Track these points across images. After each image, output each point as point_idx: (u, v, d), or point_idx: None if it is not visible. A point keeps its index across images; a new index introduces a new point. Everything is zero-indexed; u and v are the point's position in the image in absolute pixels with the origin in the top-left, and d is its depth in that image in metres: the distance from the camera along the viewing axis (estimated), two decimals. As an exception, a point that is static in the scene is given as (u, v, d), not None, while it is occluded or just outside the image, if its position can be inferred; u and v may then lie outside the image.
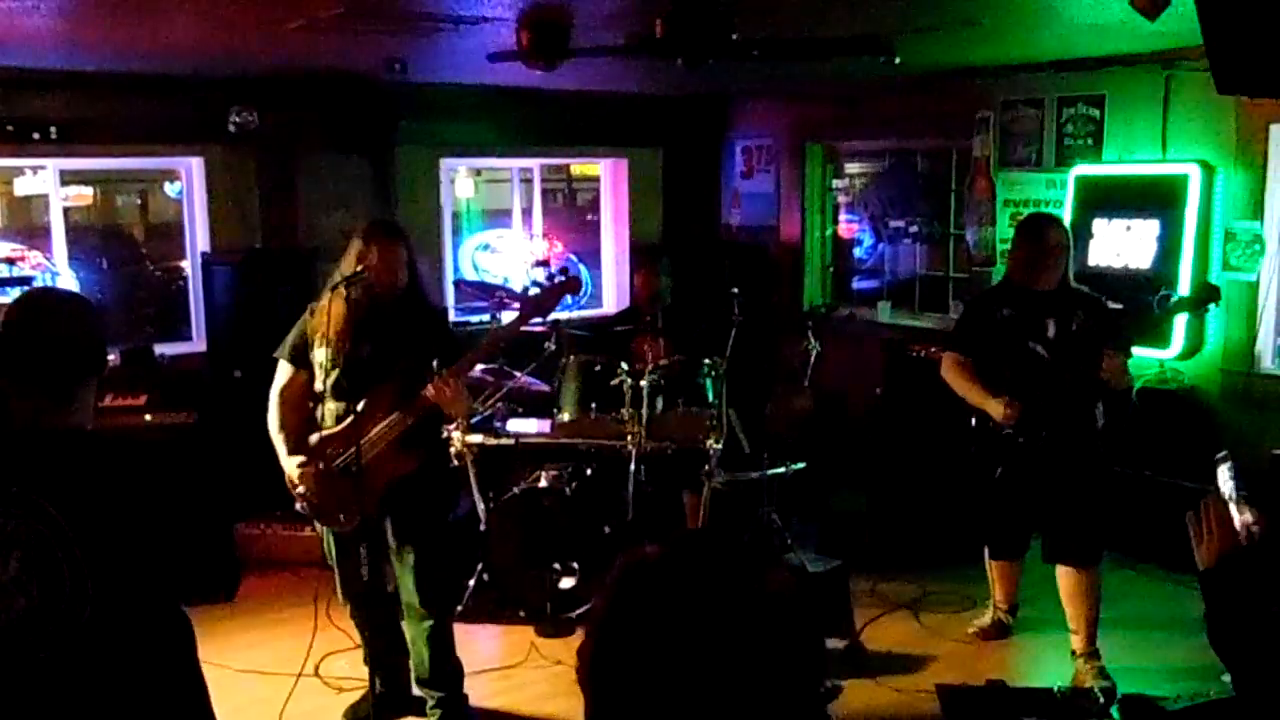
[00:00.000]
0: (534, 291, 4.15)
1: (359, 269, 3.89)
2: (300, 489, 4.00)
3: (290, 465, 4.02)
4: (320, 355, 4.00)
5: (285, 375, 4.12)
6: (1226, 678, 4.27)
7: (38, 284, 6.57)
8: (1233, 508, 2.16)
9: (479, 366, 4.92)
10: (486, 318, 6.25)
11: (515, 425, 5.53)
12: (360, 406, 3.89)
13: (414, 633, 4.22)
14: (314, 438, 4.03)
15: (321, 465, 3.97)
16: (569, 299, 4.34)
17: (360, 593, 4.14)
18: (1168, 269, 5.94)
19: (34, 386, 2.24)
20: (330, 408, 4.02)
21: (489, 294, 5.99)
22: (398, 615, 4.27)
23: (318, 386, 4.03)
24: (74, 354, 2.26)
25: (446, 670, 4.25)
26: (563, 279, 4.23)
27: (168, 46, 5.46)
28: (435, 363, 3.92)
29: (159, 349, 6.73)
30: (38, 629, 2.11)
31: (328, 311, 3.97)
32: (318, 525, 4.20)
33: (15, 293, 2.59)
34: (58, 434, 2.22)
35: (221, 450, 5.84)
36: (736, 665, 1.11)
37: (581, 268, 9.19)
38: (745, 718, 1.11)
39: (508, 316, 6.01)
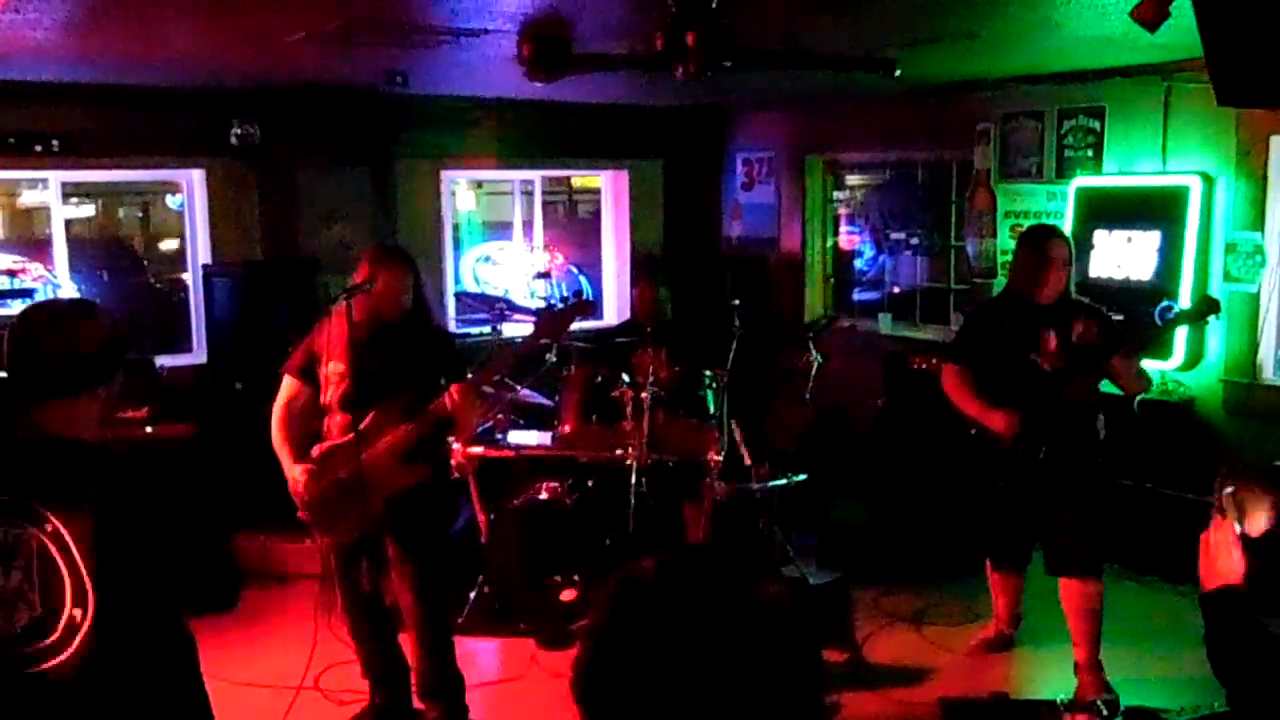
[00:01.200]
0: (547, 311, 4.17)
1: (361, 281, 3.92)
2: (305, 497, 4.01)
3: (295, 472, 4.02)
4: (330, 369, 4.03)
5: (290, 390, 4.14)
6: (1229, 690, 4.26)
7: (39, 296, 6.57)
8: (1237, 526, 2.14)
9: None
10: (487, 329, 6.25)
11: (516, 437, 5.53)
12: (369, 418, 3.91)
13: (416, 645, 4.20)
14: (319, 448, 4.04)
15: (326, 474, 3.97)
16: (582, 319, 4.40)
17: (361, 606, 4.13)
18: (1168, 281, 5.94)
19: (37, 397, 2.24)
20: (338, 420, 4.04)
21: (490, 306, 6.00)
22: (397, 628, 4.26)
23: (325, 399, 4.06)
24: (73, 365, 2.26)
25: (448, 682, 4.24)
26: (575, 301, 4.25)
27: (169, 59, 5.48)
28: (445, 378, 3.95)
29: (159, 361, 6.72)
30: (40, 639, 2.10)
31: (334, 327, 4.00)
32: (319, 538, 4.20)
33: (17, 304, 2.58)
34: (62, 444, 2.22)
35: (222, 462, 5.85)
36: (732, 681, 1.10)
37: (582, 279, 9.20)
38: None
39: (509, 328, 6.02)
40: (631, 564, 1.20)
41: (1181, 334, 5.80)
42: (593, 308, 4.27)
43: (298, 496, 4.04)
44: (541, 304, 8.06)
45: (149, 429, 5.90)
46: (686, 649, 1.11)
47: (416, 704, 4.34)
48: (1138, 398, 5.65)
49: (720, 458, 5.28)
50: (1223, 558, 2.16)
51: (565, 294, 9.04)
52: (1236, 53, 2.70)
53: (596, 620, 1.18)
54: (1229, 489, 2.19)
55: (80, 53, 5.29)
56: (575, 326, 7.73)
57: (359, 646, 4.32)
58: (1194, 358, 5.90)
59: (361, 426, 3.90)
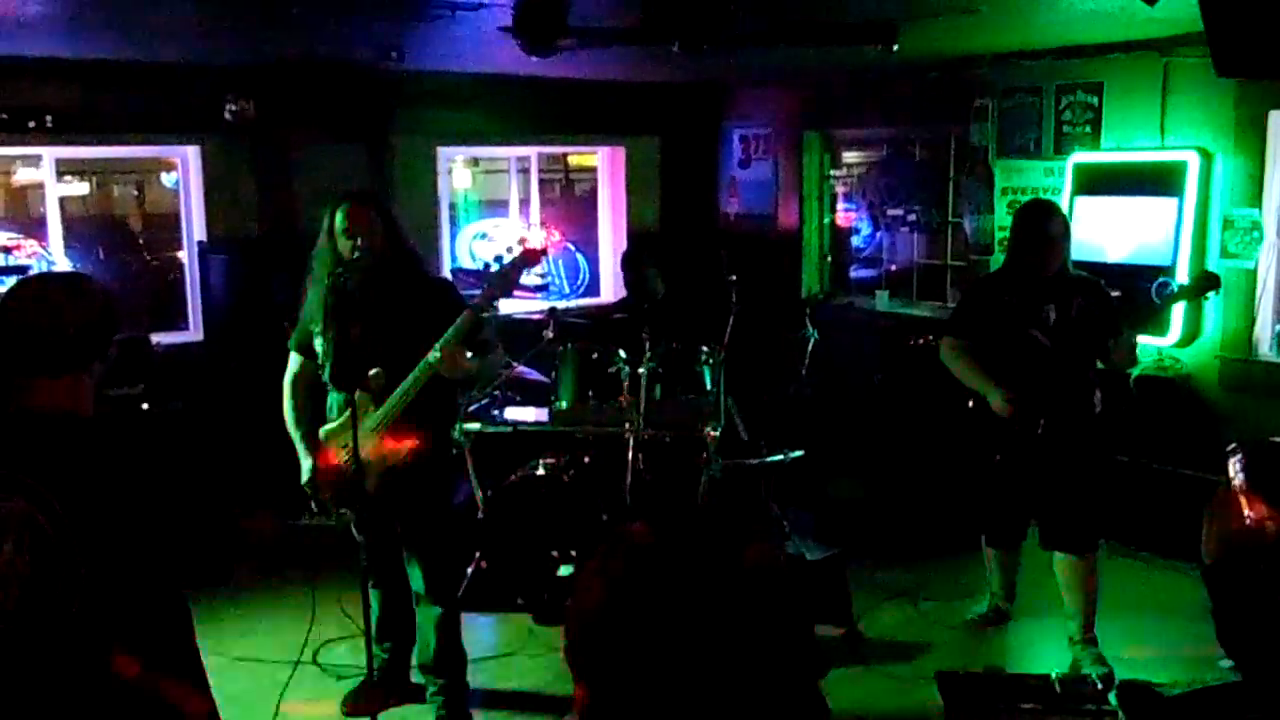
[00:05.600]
0: (494, 269, 4.03)
1: (356, 255, 3.79)
2: (312, 488, 4.00)
3: (306, 465, 4.01)
4: (317, 345, 3.96)
5: (295, 365, 4.09)
6: (1223, 664, 4.30)
7: (34, 273, 6.55)
8: (1243, 500, 2.14)
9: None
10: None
11: (513, 413, 5.52)
12: (356, 397, 3.81)
13: (421, 620, 4.20)
14: (320, 433, 4.01)
15: (328, 459, 3.95)
16: (531, 270, 4.13)
17: (369, 577, 4.12)
18: (1166, 257, 5.93)
19: (30, 371, 2.23)
20: (334, 399, 4.01)
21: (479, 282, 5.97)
22: (410, 602, 4.24)
23: (323, 377, 3.99)
24: (66, 339, 2.25)
25: (451, 658, 4.22)
26: (521, 252, 4.06)
27: (165, 33, 5.44)
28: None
29: (155, 338, 6.71)
30: (32, 614, 2.10)
31: (317, 299, 3.88)
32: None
33: (11, 281, 2.56)
34: (54, 418, 2.21)
35: (218, 439, 5.85)
36: (723, 640, 1.10)
37: (579, 256, 9.18)
38: (735, 693, 1.10)
39: (504, 304, 5.99)
40: (623, 527, 1.20)
41: (1178, 310, 5.80)
42: (536, 255, 4.03)
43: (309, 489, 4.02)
44: (537, 280, 8.04)
45: (145, 405, 5.90)
46: (679, 611, 1.10)
47: (415, 677, 4.35)
48: (1134, 373, 5.67)
49: (717, 434, 5.28)
50: (1228, 527, 2.16)
51: (563, 272, 9.05)
52: (1236, 23, 2.69)
53: (589, 584, 1.17)
54: (1238, 457, 2.20)
55: (74, 27, 5.26)
56: (574, 304, 7.78)
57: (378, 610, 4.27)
58: (1191, 334, 5.90)
59: (351, 407, 3.80)
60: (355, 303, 3.79)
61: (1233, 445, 2.28)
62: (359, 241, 3.80)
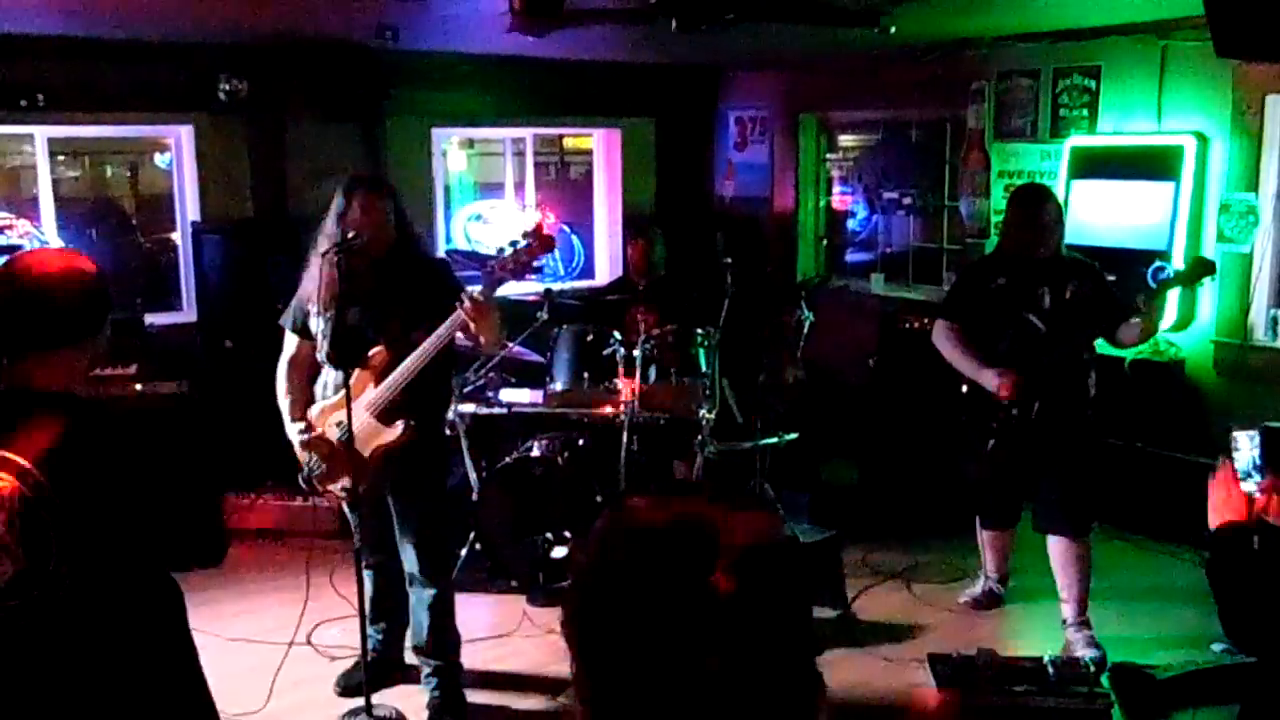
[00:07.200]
0: (508, 253, 4.02)
1: (351, 235, 3.78)
2: (302, 458, 3.99)
3: (293, 432, 4.01)
4: (314, 325, 3.96)
5: (291, 346, 4.09)
6: (1216, 647, 4.32)
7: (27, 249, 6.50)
8: (1240, 475, 2.17)
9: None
10: (478, 288, 6.22)
11: (507, 395, 5.51)
12: (354, 375, 3.82)
13: (414, 602, 4.20)
14: (313, 410, 4.00)
15: (321, 435, 3.94)
16: (544, 258, 4.12)
17: (362, 558, 4.12)
18: (1162, 241, 5.92)
19: (23, 349, 2.22)
20: (329, 378, 4.00)
21: (480, 264, 5.95)
22: (404, 583, 4.24)
23: (318, 356, 3.99)
24: (59, 316, 2.23)
25: (445, 640, 4.22)
26: (535, 236, 4.04)
27: (157, 11, 5.40)
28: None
29: (149, 319, 6.69)
30: (25, 594, 2.09)
31: (316, 279, 3.87)
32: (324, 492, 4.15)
33: (2, 260, 2.54)
34: (46, 396, 2.20)
35: (212, 420, 5.83)
36: (722, 616, 1.10)
37: (574, 238, 9.16)
38: (733, 668, 1.10)
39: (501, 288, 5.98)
40: (621, 501, 1.19)
41: (1174, 294, 5.78)
42: (550, 243, 4.01)
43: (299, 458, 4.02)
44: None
45: (138, 386, 5.88)
46: (677, 585, 1.10)
47: (410, 659, 4.35)
48: (1128, 357, 5.67)
49: (711, 416, 5.28)
50: (1226, 496, 2.20)
51: (558, 254, 9.01)
52: (1236, 3, 2.68)
53: (587, 558, 1.17)
54: (1236, 433, 2.24)
55: (66, 3, 5.22)
56: (568, 285, 7.77)
57: (370, 590, 4.27)
58: (1186, 318, 5.90)
59: (347, 384, 3.81)
60: (355, 283, 3.80)
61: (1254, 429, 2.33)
62: (374, 223, 3.82)
